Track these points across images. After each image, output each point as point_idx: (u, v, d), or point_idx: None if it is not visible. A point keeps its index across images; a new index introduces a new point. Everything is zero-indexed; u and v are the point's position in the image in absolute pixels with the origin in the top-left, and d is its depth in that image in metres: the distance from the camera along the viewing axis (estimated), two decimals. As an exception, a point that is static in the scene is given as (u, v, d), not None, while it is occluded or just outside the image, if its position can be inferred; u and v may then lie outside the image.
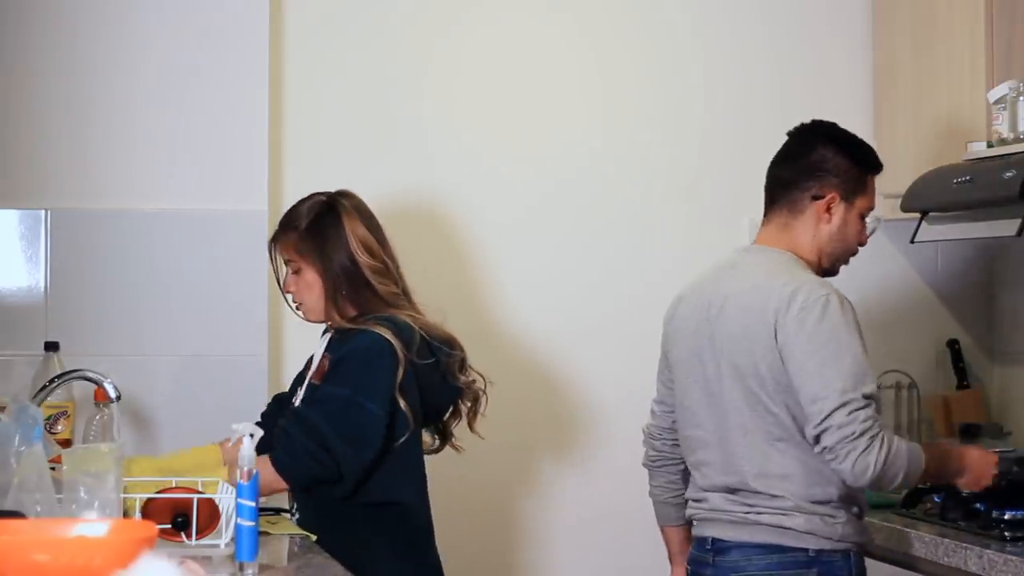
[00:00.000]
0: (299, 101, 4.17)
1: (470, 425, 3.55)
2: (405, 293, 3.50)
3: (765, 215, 3.44)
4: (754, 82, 4.44)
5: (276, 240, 3.53)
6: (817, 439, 3.16)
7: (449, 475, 3.68)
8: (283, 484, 3.34)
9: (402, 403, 3.33)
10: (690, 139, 4.40)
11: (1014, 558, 3.18)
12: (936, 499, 3.70)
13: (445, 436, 3.58)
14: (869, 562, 3.70)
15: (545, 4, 4.36)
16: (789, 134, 3.48)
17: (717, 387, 3.31)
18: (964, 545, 3.34)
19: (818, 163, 3.38)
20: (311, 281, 3.46)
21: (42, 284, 3.94)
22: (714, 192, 4.37)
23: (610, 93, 4.38)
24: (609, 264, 4.33)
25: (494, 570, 4.27)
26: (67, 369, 3.70)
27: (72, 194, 3.96)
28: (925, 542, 3.48)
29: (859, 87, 4.47)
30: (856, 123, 4.43)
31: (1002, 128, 3.72)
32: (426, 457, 3.52)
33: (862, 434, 3.12)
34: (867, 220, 3.44)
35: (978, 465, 3.43)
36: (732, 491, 3.31)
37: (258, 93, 4.05)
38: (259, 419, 3.63)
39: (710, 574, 3.33)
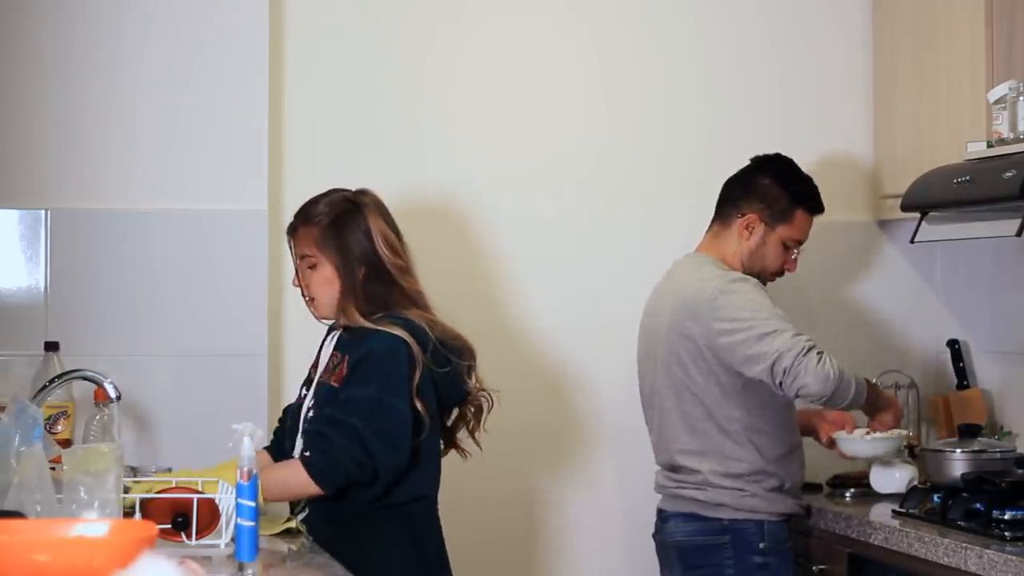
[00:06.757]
0: (299, 101, 4.17)
1: (472, 433, 3.49)
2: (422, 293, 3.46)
3: (709, 224, 3.91)
4: (754, 82, 4.44)
5: (294, 233, 3.44)
6: (774, 372, 3.53)
7: (462, 470, 3.65)
8: (316, 489, 3.24)
9: (419, 404, 3.28)
10: (691, 139, 4.40)
11: (1014, 558, 3.17)
12: (936, 499, 3.70)
13: (448, 440, 3.49)
14: (869, 562, 3.69)
15: (546, 3, 4.36)
16: (750, 160, 3.92)
17: (653, 378, 3.81)
18: (964, 545, 3.34)
19: (753, 186, 3.85)
20: (329, 277, 3.38)
21: (42, 284, 3.94)
22: (715, 192, 4.37)
23: (610, 92, 4.37)
24: (608, 264, 4.33)
25: (505, 565, 4.27)
26: (67, 369, 3.70)
27: (72, 194, 3.96)
28: (925, 542, 3.47)
29: (859, 87, 4.47)
30: (856, 123, 4.46)
31: (1002, 128, 3.71)
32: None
33: (810, 350, 3.53)
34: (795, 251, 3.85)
35: (897, 406, 3.91)
36: (668, 468, 3.81)
37: (258, 93, 4.05)
38: (272, 435, 3.58)
39: (658, 539, 3.87)
